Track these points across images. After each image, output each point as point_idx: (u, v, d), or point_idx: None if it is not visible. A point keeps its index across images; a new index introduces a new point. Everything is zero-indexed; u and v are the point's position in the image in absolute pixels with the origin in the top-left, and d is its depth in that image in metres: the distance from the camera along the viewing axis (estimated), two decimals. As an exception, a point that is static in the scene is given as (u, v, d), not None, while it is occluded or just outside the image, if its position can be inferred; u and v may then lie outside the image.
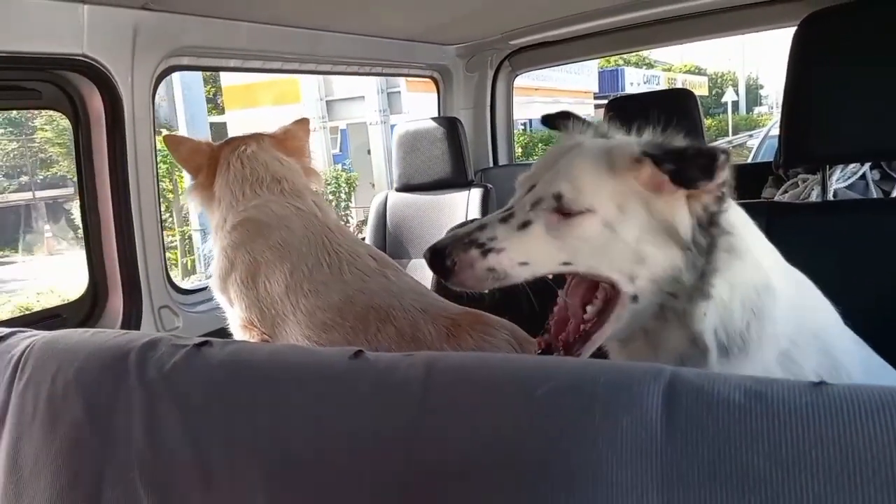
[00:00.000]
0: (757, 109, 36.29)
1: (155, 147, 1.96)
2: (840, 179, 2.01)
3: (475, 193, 2.94)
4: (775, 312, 0.95)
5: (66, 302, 2.02)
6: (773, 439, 0.52)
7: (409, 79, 4.79)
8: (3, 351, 0.89)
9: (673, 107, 2.38)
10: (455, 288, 0.94)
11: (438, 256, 0.92)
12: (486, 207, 2.88)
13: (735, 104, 30.74)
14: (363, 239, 2.92)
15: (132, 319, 1.93)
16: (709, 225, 0.91)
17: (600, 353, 1.01)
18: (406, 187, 3.05)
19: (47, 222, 10.15)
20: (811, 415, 0.52)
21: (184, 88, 9.25)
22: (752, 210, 1.02)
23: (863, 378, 0.99)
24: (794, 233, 1.00)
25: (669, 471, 0.53)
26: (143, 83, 1.85)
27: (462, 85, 3.33)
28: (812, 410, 0.52)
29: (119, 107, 1.81)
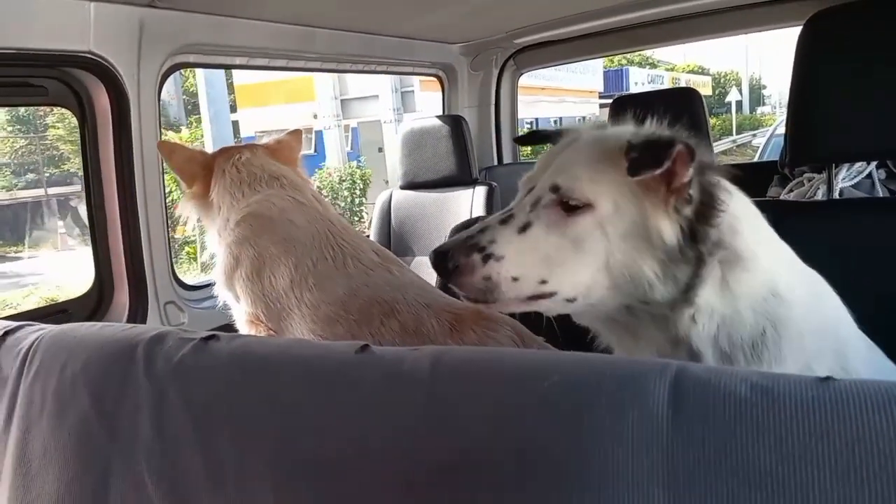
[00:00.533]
0: (760, 109, 36.21)
1: (160, 144, 1.96)
2: (846, 178, 2.00)
3: (479, 191, 2.93)
4: (792, 322, 0.91)
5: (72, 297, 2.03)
6: (779, 434, 0.52)
7: (422, 78, 4.78)
8: (12, 345, 0.89)
9: (678, 106, 2.37)
10: (457, 291, 0.94)
11: (442, 259, 0.91)
12: (490, 205, 2.88)
13: (738, 104, 30.68)
14: (367, 236, 2.92)
15: (138, 315, 1.94)
16: (692, 238, 0.86)
17: (605, 350, 1.01)
18: (411, 185, 3.05)
19: (60, 219, 10.19)
20: (817, 409, 0.52)
21: (207, 86, 9.22)
22: (757, 208, 1.02)
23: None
24: (800, 231, 1.00)
25: (675, 464, 0.54)
26: (150, 80, 1.86)
27: (467, 83, 3.33)
28: (818, 405, 0.52)
29: (125, 103, 1.82)
